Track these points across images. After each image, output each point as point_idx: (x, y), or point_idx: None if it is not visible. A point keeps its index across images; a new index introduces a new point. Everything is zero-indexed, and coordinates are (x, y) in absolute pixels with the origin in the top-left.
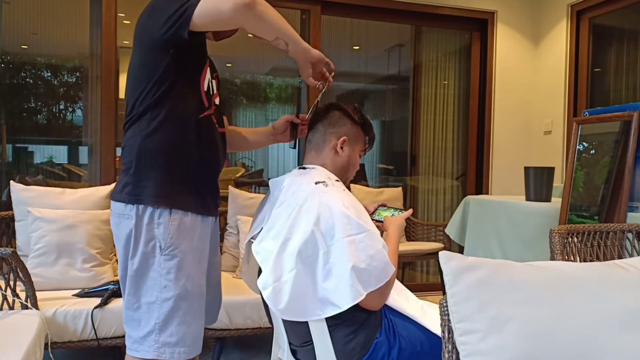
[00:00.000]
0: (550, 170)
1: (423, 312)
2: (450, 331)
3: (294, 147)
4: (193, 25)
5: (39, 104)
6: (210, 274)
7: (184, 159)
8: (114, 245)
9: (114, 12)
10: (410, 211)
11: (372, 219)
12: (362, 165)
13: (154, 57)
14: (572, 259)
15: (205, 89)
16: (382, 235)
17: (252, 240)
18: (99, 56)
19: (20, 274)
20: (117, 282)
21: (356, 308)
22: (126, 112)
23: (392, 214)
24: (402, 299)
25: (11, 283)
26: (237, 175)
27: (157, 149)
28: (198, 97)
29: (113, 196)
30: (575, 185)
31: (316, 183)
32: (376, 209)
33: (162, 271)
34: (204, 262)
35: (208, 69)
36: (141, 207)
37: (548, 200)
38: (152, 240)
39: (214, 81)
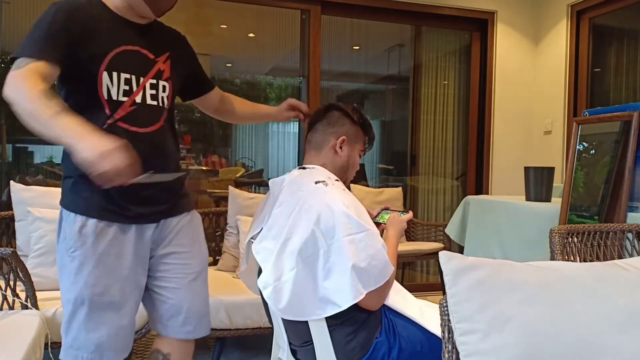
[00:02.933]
0: (550, 170)
1: (422, 312)
2: (450, 331)
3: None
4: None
5: None
6: (170, 278)
7: None
8: None
9: None
10: (410, 214)
11: (375, 222)
12: (362, 165)
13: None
14: (572, 259)
15: (106, 95)
16: (382, 236)
17: (252, 240)
18: None
19: (20, 274)
20: None
21: (356, 308)
22: None
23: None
24: (401, 299)
25: (11, 283)
26: (237, 175)
27: (68, 156)
28: (97, 105)
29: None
30: (575, 185)
31: (316, 183)
32: (379, 213)
33: (67, 270)
34: (120, 269)
35: (108, 73)
36: (61, 208)
37: (548, 200)
38: (65, 240)
39: (135, 78)
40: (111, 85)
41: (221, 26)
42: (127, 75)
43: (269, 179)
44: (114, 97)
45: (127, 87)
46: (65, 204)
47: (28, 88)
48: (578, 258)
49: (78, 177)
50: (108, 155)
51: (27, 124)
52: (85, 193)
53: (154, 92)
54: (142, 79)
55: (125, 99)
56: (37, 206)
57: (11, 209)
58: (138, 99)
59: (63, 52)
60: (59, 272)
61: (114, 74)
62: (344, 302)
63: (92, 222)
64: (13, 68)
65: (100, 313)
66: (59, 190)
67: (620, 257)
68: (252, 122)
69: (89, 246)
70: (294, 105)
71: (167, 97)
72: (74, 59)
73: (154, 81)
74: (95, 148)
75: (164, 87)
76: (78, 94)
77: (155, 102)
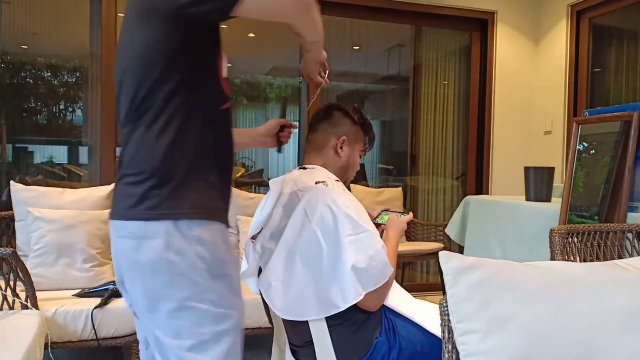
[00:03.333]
0: (550, 170)
1: (421, 312)
2: (450, 331)
3: (279, 152)
4: (238, 11)
5: (39, 104)
6: None
7: (214, 162)
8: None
9: (114, 12)
10: (411, 215)
11: (375, 223)
12: (362, 165)
13: (163, 31)
14: (572, 259)
15: (225, 74)
16: (381, 236)
17: (252, 240)
18: (98, 56)
19: (20, 274)
20: None
21: (356, 308)
22: (126, 105)
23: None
24: (400, 300)
25: (11, 283)
26: (237, 175)
27: (186, 151)
28: (218, 85)
29: (122, 214)
30: (575, 185)
31: (316, 183)
32: (379, 214)
33: (216, 295)
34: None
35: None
36: (163, 222)
37: (548, 200)
38: (199, 258)
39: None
40: (224, 64)
41: (221, 26)
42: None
43: (269, 179)
44: (225, 74)
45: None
46: (180, 212)
47: None
48: (578, 258)
49: (185, 177)
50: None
51: (320, 25)
52: (206, 194)
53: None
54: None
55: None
56: (37, 206)
57: (11, 209)
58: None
59: None
60: (186, 316)
61: (224, 55)
62: (344, 303)
63: (223, 227)
64: None
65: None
66: (59, 190)
67: (620, 257)
68: (242, 145)
69: (234, 257)
70: (281, 124)
71: None
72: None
73: None
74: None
75: None
76: (203, 65)
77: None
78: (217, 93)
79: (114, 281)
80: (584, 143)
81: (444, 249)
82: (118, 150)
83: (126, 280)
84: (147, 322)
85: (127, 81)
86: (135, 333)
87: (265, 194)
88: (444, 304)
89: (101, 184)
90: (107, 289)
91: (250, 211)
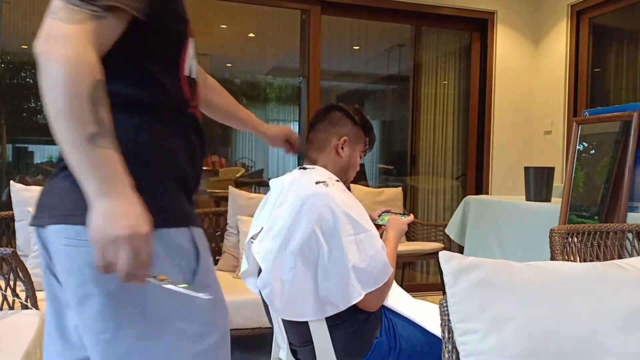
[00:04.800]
0: (550, 170)
1: (421, 312)
2: (450, 331)
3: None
4: None
5: (39, 104)
6: None
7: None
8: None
9: None
10: (411, 217)
11: (375, 224)
12: (362, 166)
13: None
14: (572, 259)
15: (187, 71)
16: (381, 237)
17: (252, 240)
18: None
19: (20, 274)
20: None
21: (356, 308)
22: None
23: None
24: (399, 300)
25: (11, 283)
26: (237, 175)
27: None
28: (177, 87)
29: (51, 218)
30: (575, 185)
31: (317, 183)
32: (380, 215)
33: (189, 309)
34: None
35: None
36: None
37: (548, 200)
38: (172, 262)
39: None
40: (187, 62)
41: (221, 26)
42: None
43: (269, 179)
44: (192, 74)
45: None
46: (161, 220)
47: (80, 76)
48: (578, 258)
49: (158, 182)
50: (134, 238)
51: (54, 119)
52: (173, 197)
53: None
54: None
55: (194, 75)
56: None
57: (11, 209)
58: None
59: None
60: (149, 331)
61: (191, 48)
62: (344, 303)
63: (197, 231)
64: (59, 17)
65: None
66: None
67: (620, 257)
68: (227, 121)
69: (207, 262)
70: (291, 140)
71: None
72: (160, 16)
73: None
74: (124, 218)
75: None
76: (157, 60)
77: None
78: (174, 96)
79: None
80: (584, 143)
81: (444, 249)
82: None
83: None
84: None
85: None
86: None
87: (265, 194)
88: (444, 304)
89: None
90: None
91: (250, 211)
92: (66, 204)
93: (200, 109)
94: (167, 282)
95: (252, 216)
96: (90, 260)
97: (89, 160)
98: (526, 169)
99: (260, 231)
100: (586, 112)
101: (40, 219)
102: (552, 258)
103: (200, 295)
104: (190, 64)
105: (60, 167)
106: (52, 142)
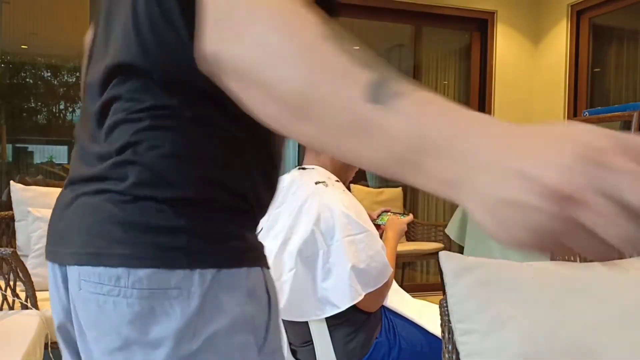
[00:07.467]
0: None
1: (420, 312)
2: (450, 331)
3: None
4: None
5: (39, 104)
6: None
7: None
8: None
9: None
10: (411, 217)
11: (375, 224)
12: None
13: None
14: (572, 259)
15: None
16: (381, 237)
17: None
18: None
19: (20, 274)
20: None
21: (356, 308)
22: (107, 93)
23: None
24: (399, 300)
25: (11, 283)
26: None
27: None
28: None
29: (78, 256)
30: None
31: (316, 183)
32: (379, 215)
33: None
34: None
35: None
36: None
37: None
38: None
39: None
40: None
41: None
42: None
43: None
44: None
45: None
46: (191, 259)
47: (301, 29)
48: (578, 258)
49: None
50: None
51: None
52: (227, 230)
53: None
54: None
55: None
56: (37, 206)
57: (11, 209)
58: None
59: None
60: None
61: None
62: (343, 303)
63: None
64: None
65: None
66: (59, 190)
67: (620, 257)
68: None
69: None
70: None
71: None
72: None
73: None
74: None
75: None
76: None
77: None
78: None
79: None
80: None
81: (444, 249)
82: None
83: None
84: None
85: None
86: None
87: None
88: (444, 304)
89: None
90: None
91: None
92: (103, 237)
93: None
94: None
95: None
96: (133, 317)
97: (397, 122)
98: None
99: (259, 231)
100: (586, 112)
101: (61, 256)
102: (552, 258)
103: None
104: None
105: (93, 189)
106: (52, 142)
